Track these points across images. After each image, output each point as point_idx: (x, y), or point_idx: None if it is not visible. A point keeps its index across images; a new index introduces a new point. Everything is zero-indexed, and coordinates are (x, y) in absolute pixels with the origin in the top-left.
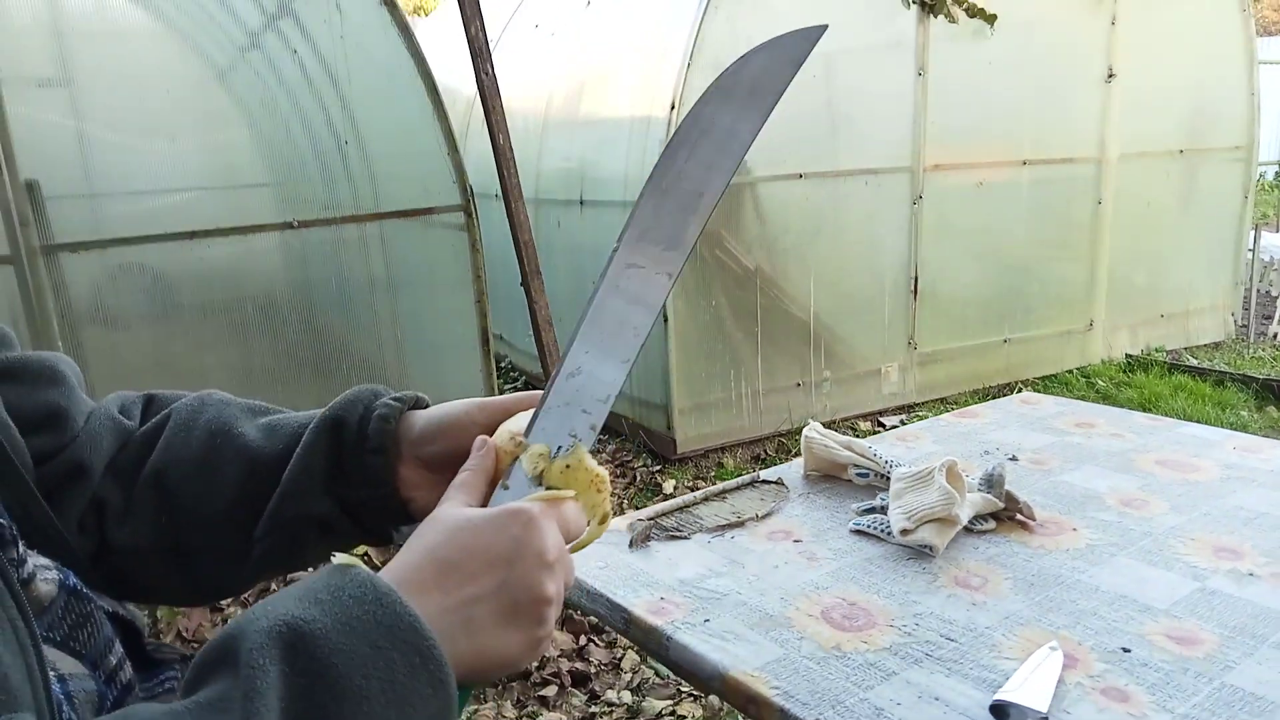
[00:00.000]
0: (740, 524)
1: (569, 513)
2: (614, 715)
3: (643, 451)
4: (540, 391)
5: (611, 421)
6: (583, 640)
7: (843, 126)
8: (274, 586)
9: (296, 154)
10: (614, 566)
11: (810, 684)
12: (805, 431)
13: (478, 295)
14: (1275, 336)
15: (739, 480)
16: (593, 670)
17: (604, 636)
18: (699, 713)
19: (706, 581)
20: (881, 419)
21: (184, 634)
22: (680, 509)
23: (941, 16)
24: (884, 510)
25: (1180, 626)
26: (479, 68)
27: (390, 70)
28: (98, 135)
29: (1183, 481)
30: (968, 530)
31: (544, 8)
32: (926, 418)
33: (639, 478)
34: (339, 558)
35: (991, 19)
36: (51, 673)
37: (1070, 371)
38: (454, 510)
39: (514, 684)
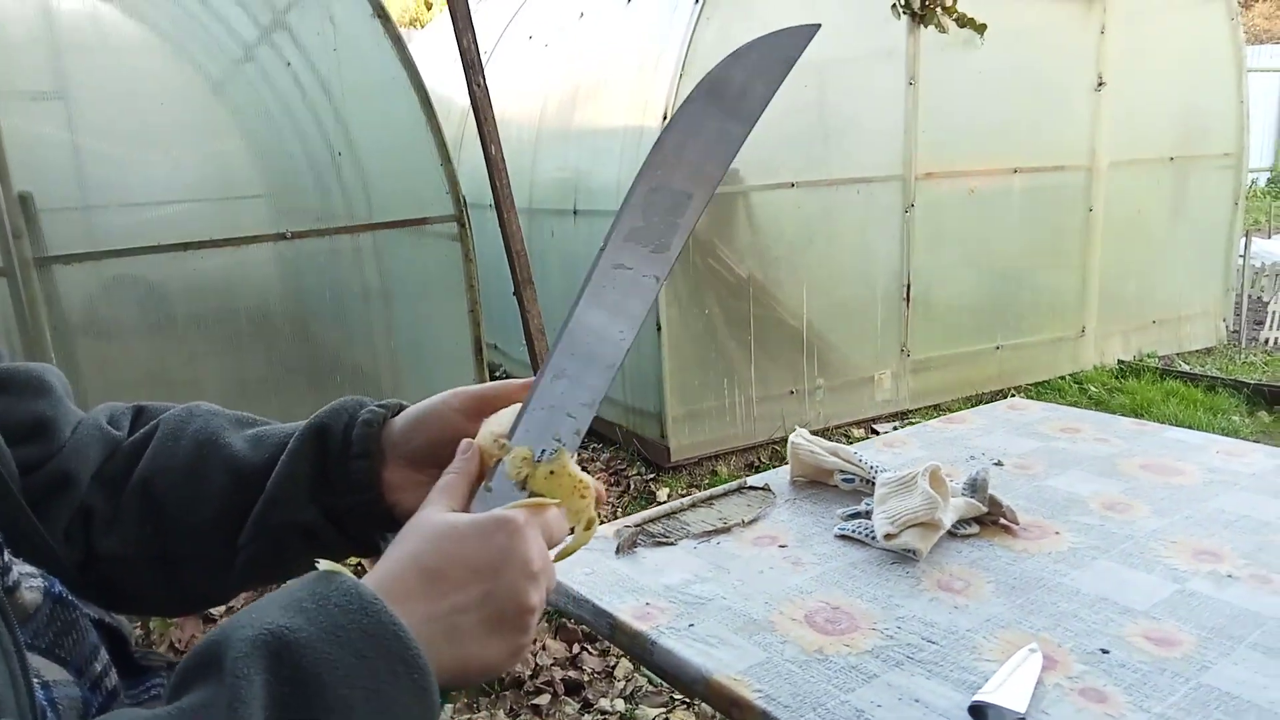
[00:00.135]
0: (727, 530)
1: (552, 520)
2: None
3: (637, 460)
4: (519, 380)
5: (605, 430)
6: (576, 649)
7: (834, 135)
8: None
9: (290, 165)
10: (600, 573)
11: (792, 687)
12: (791, 438)
13: (471, 305)
14: (1267, 342)
15: (726, 486)
16: (586, 678)
17: (597, 645)
18: None
19: (692, 587)
20: (875, 426)
21: (176, 645)
22: (667, 515)
23: (932, 26)
24: (869, 515)
25: (1159, 628)
26: (471, 79)
27: (383, 82)
28: (92, 147)
29: (1165, 485)
30: (951, 534)
31: (538, 19)
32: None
33: (633, 486)
34: (323, 564)
35: (982, 28)
36: (35, 679)
37: (1063, 378)
38: (438, 515)
39: (507, 693)
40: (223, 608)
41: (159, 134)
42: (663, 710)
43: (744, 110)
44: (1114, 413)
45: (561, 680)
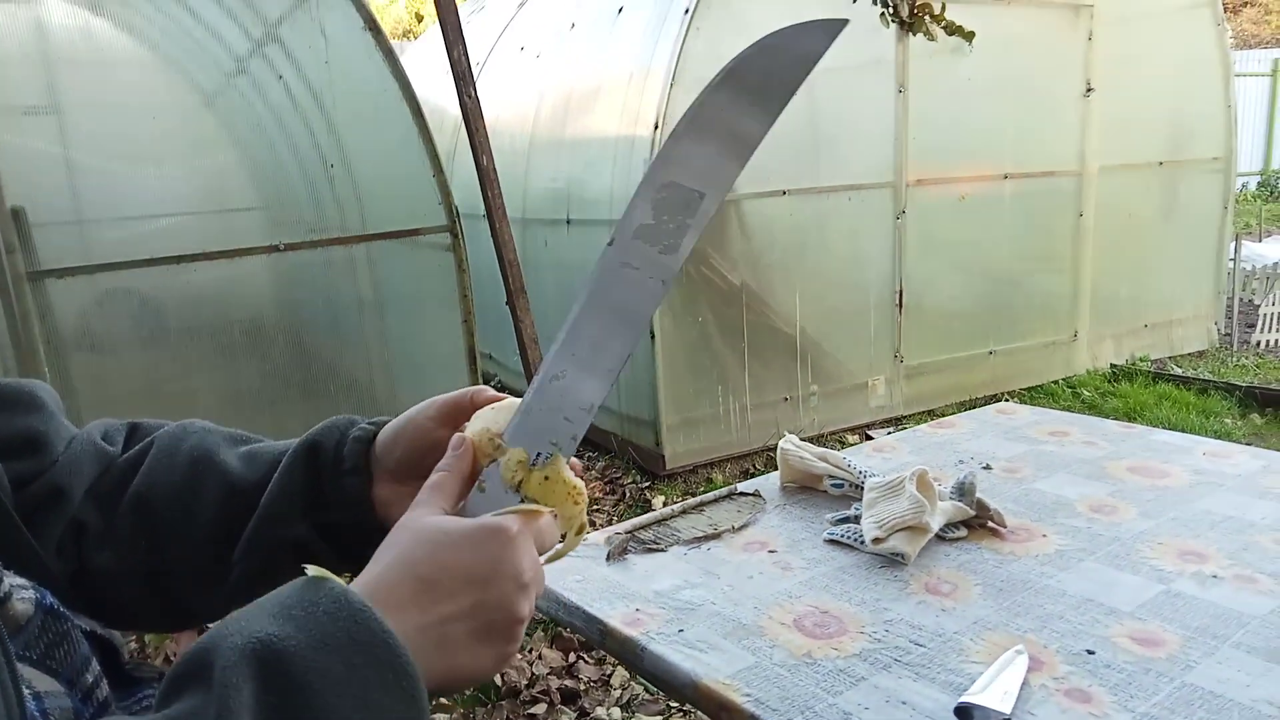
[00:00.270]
0: (717, 536)
1: (545, 527)
2: None
3: (632, 468)
4: (491, 390)
5: (600, 438)
6: (572, 657)
7: (825, 143)
8: None
9: (283, 178)
10: (591, 580)
11: (781, 691)
12: (781, 444)
13: (464, 315)
14: (1259, 345)
15: (716, 493)
16: (582, 687)
17: (593, 654)
18: None
19: (682, 592)
20: (870, 432)
21: (171, 657)
22: (658, 522)
23: (920, 34)
24: (857, 520)
25: (1144, 628)
26: (462, 91)
27: (375, 94)
28: (85, 162)
29: (1152, 487)
30: (939, 538)
31: (529, 30)
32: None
33: (628, 494)
34: (312, 570)
35: (970, 36)
36: (27, 690)
37: (1056, 382)
38: (430, 519)
39: (503, 702)
40: None
41: (152, 147)
42: (659, 718)
43: (765, 104)
44: (1107, 416)
45: (558, 689)
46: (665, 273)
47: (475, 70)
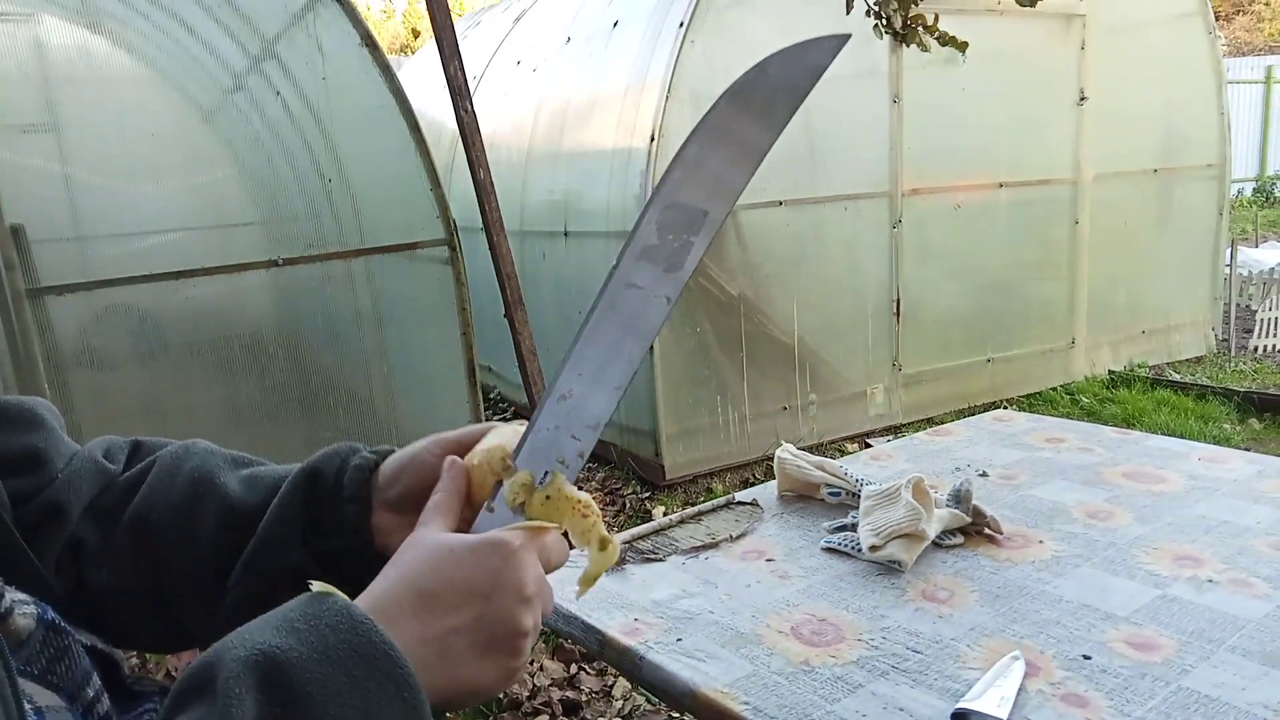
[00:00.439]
0: (715, 545)
1: (551, 544)
2: None
3: (632, 479)
4: (498, 423)
5: (600, 449)
6: (573, 668)
7: (821, 154)
8: None
9: (282, 193)
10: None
11: (779, 699)
12: (778, 453)
13: (463, 328)
14: (1256, 350)
15: (715, 502)
16: (583, 698)
17: (595, 665)
18: None
19: (680, 602)
20: (869, 440)
21: (173, 673)
22: (656, 532)
23: (914, 45)
24: (854, 528)
25: (1140, 633)
26: (458, 105)
27: (372, 110)
28: (83, 179)
29: (1148, 493)
30: (936, 545)
31: (526, 45)
32: None
33: (628, 505)
34: (316, 586)
35: (963, 46)
36: (29, 705)
37: (1054, 389)
38: (434, 536)
39: (505, 714)
40: None
41: (150, 164)
42: None
43: (768, 123)
44: (1106, 423)
45: (559, 701)
46: (670, 290)
47: (472, 84)
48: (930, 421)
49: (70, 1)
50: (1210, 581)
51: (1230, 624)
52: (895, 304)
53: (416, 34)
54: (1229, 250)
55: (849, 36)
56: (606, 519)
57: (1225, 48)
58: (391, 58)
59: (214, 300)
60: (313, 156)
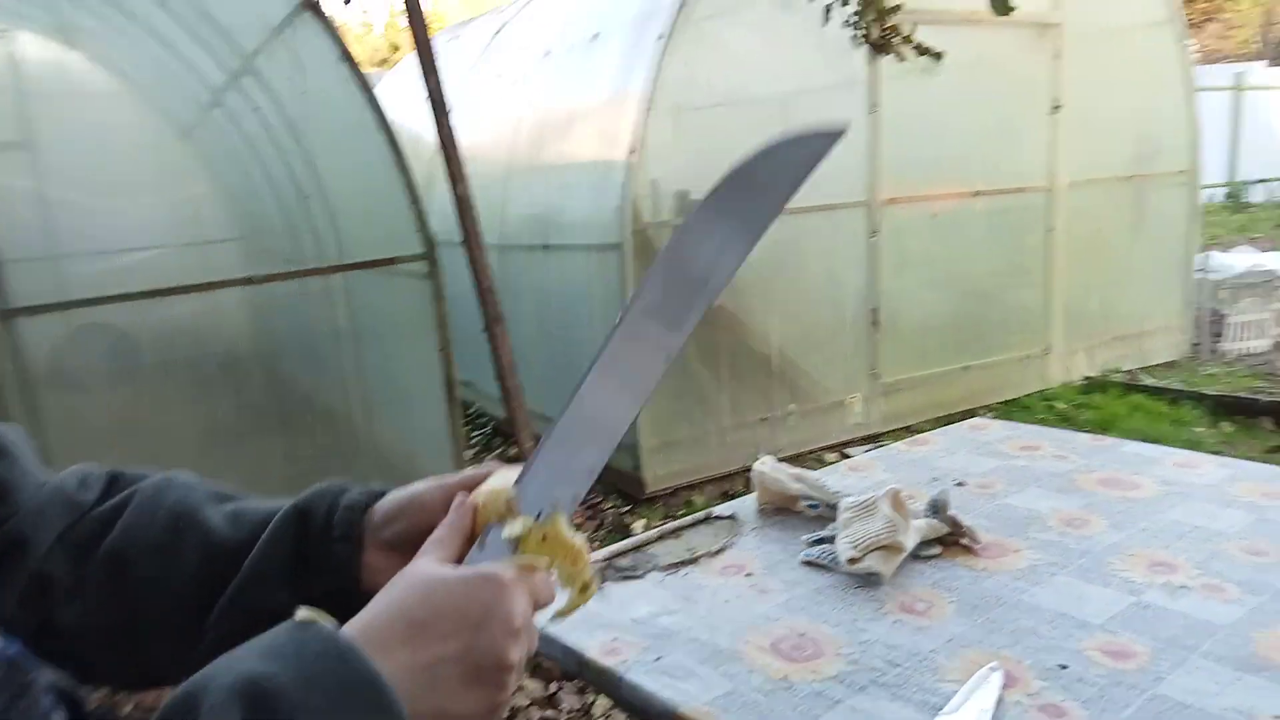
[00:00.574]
0: (694, 560)
1: (540, 582)
2: None
3: (611, 492)
4: (500, 466)
5: None
6: (553, 686)
7: None
8: None
9: (259, 209)
10: None
11: (758, 716)
12: (756, 465)
13: (442, 343)
14: (1227, 354)
15: (694, 517)
16: (563, 717)
17: (575, 682)
18: None
19: (659, 620)
20: (847, 450)
21: (141, 707)
22: (635, 548)
23: (891, 55)
24: (833, 540)
25: (1115, 641)
26: (438, 119)
27: (351, 125)
28: (59, 197)
29: (1122, 499)
30: (914, 556)
31: (505, 58)
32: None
33: (608, 520)
34: (302, 612)
35: (939, 56)
36: None
37: (1030, 395)
38: (428, 567)
39: None
40: None
41: (126, 181)
42: None
43: (768, 204)
44: (1081, 428)
45: None
46: (670, 346)
47: (452, 98)
48: (908, 430)
49: (46, 17)
50: (1183, 588)
51: (1203, 630)
52: (873, 313)
53: (396, 47)
54: (1201, 255)
55: (847, 126)
56: (586, 534)
57: (1196, 55)
58: (370, 72)
59: (189, 318)
60: (291, 172)
